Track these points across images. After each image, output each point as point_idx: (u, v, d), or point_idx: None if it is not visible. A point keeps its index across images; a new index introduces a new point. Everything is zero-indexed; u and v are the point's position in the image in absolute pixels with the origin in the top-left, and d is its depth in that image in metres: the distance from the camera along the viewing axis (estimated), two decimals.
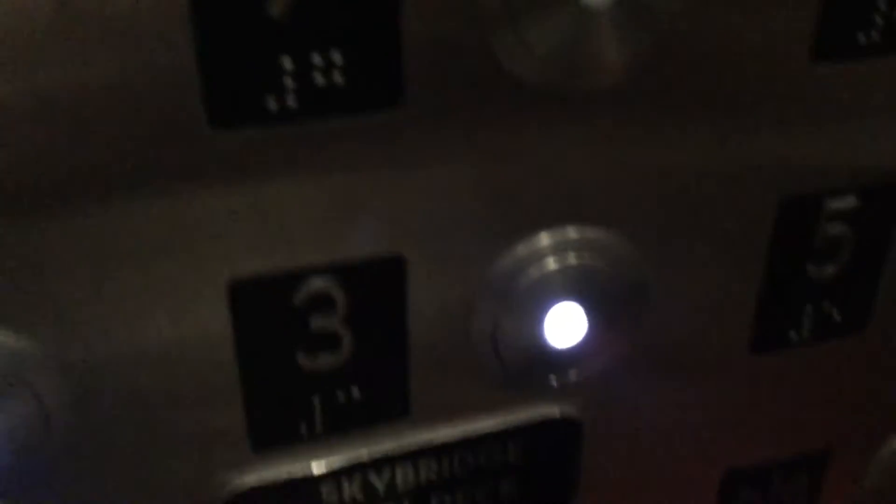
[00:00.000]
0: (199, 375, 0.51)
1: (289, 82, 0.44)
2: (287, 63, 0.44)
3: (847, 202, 0.62)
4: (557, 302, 0.56)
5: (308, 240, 0.49)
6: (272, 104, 0.45)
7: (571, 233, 0.55)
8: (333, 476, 0.57)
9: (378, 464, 0.57)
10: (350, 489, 0.58)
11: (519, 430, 0.60)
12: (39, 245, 0.45)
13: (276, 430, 0.54)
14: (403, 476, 0.59)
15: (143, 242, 0.47)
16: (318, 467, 0.56)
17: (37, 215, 0.45)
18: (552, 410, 0.61)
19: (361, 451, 0.57)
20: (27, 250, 0.45)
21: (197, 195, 0.46)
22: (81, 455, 0.51)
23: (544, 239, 0.55)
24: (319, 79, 0.45)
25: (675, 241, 0.59)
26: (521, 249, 0.55)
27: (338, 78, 0.45)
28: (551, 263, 0.55)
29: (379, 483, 0.58)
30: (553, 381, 0.59)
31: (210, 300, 0.49)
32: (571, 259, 0.55)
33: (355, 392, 0.54)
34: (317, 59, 0.44)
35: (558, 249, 0.55)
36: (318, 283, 0.50)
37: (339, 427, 0.55)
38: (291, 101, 0.45)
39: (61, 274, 0.46)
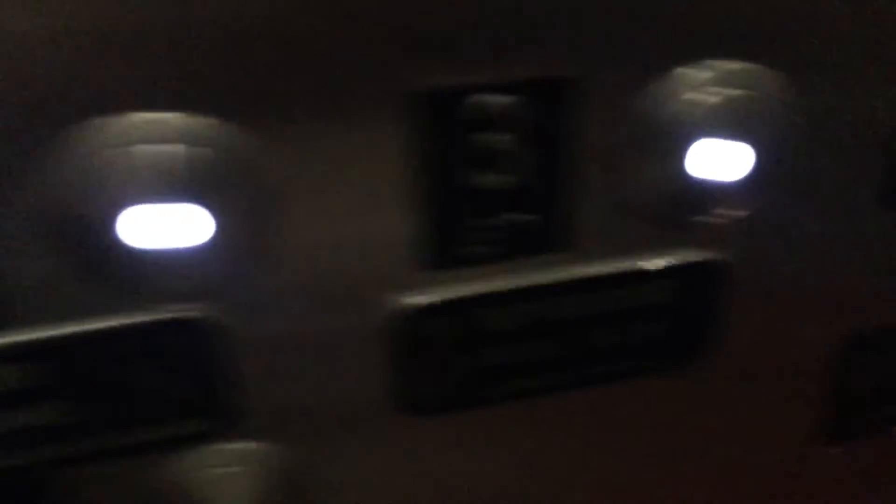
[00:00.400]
0: (375, 191, 0.54)
1: None
2: None
3: None
4: (713, 138, 0.57)
5: (490, 58, 0.52)
6: None
7: (728, 66, 0.56)
8: (493, 299, 0.59)
9: (534, 292, 0.60)
10: (507, 316, 0.60)
11: (672, 271, 0.62)
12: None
13: (444, 250, 0.57)
14: (558, 307, 0.61)
15: None
16: (479, 290, 0.59)
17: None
18: (704, 253, 0.63)
19: (520, 279, 0.59)
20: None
21: None
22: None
23: (706, 71, 0.56)
24: None
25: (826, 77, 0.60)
26: (681, 81, 0.56)
27: None
28: (711, 97, 0.56)
29: (534, 312, 0.61)
30: (708, 219, 0.61)
31: (389, 113, 0.52)
32: (731, 92, 0.56)
33: (520, 218, 0.56)
34: None
35: (718, 83, 0.56)
36: (496, 101, 0.52)
37: (502, 253, 0.58)
38: None
39: None
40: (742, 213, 0.62)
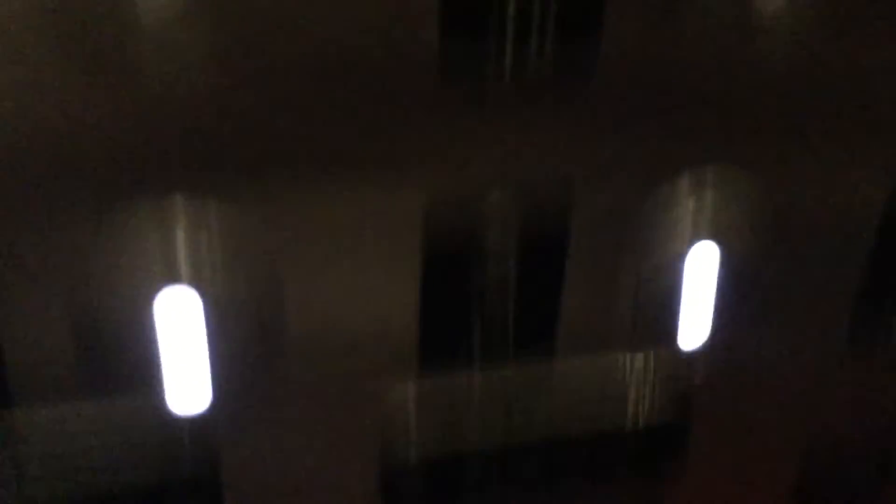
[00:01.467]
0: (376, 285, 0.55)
1: None
2: None
3: None
4: (696, 242, 0.60)
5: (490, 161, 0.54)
6: None
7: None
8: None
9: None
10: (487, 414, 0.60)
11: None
12: None
13: (440, 350, 0.57)
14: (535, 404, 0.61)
15: None
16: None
17: None
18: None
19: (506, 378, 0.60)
20: None
21: None
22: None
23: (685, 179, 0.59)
24: None
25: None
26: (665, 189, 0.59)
27: None
28: (691, 203, 0.59)
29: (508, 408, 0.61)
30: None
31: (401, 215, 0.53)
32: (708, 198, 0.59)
33: (512, 318, 0.58)
34: None
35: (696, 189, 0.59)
36: (496, 197, 0.54)
37: (490, 355, 0.59)
38: None
39: None
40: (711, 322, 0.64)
